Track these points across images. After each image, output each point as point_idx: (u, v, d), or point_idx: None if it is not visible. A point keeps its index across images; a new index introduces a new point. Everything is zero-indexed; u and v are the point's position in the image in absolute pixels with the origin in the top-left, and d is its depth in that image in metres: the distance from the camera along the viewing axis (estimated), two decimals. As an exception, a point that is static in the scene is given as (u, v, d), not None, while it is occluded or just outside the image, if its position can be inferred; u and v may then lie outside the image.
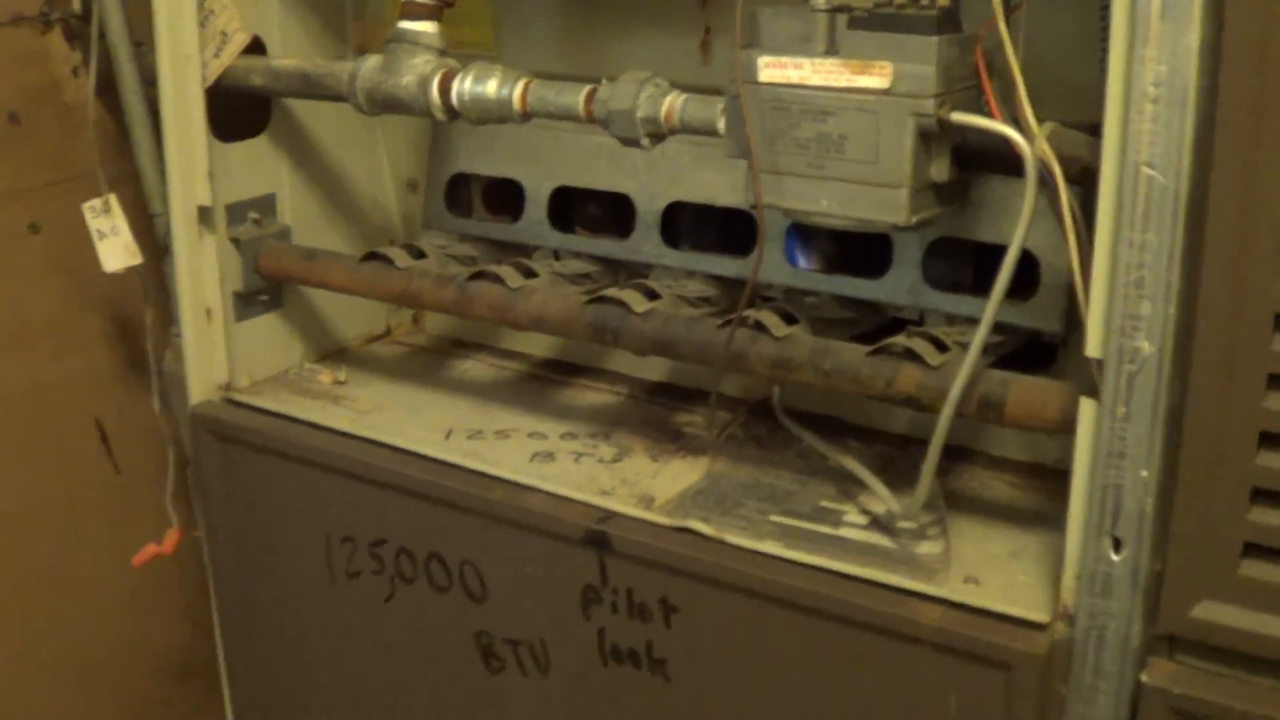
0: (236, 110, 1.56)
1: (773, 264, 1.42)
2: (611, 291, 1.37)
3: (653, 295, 1.39)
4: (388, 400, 1.59)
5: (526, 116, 1.35)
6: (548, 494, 1.34)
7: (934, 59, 1.08)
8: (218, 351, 1.57)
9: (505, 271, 1.45)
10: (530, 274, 1.47)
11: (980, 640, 1.11)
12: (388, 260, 1.51)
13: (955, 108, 1.10)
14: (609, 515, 1.30)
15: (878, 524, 1.27)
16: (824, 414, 1.49)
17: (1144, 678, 1.06)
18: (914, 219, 1.14)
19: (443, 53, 1.40)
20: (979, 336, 1.12)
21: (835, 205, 1.16)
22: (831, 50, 1.13)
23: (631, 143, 1.28)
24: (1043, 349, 1.32)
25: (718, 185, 1.47)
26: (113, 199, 1.68)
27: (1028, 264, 1.26)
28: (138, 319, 1.79)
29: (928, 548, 1.23)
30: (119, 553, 1.77)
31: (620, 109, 1.26)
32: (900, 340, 1.22)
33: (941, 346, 1.22)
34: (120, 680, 1.95)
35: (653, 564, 1.26)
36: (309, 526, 1.50)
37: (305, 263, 1.56)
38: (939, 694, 1.14)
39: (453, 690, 1.45)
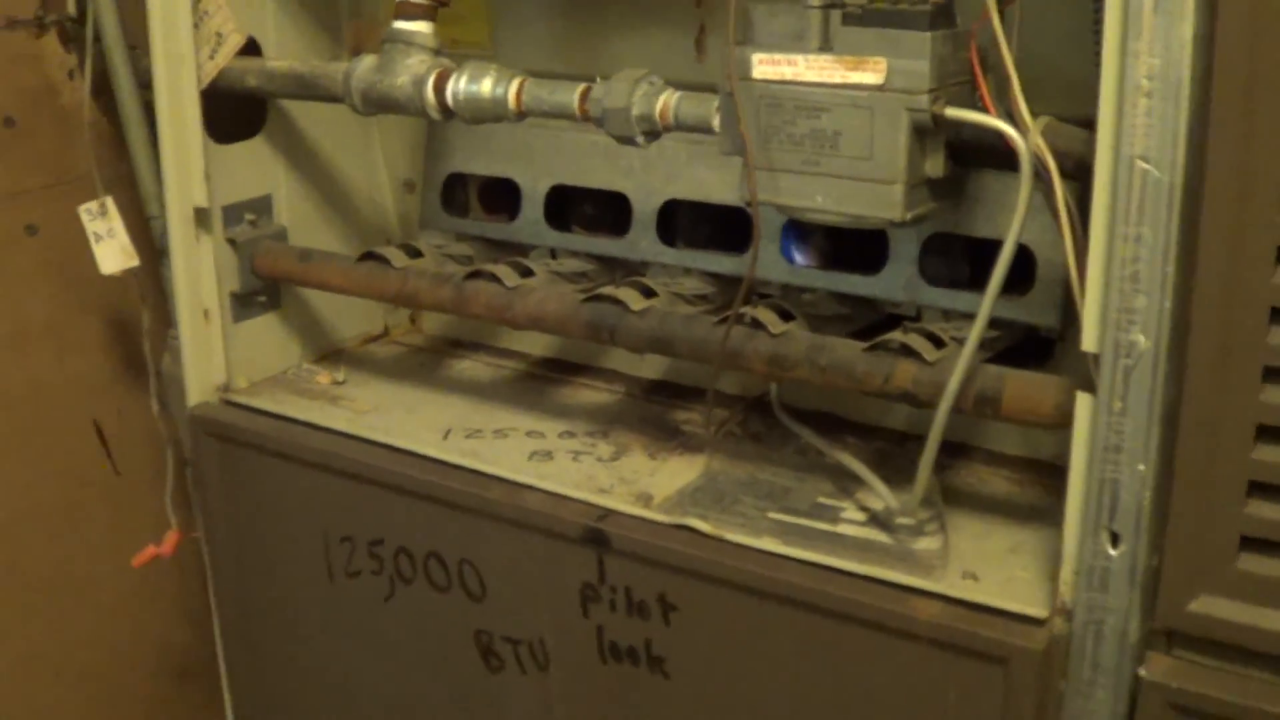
0: (232, 112, 1.56)
1: (769, 261, 1.42)
2: (608, 290, 1.37)
3: (649, 293, 1.39)
4: (386, 400, 1.59)
5: (521, 115, 1.35)
6: (546, 493, 1.34)
7: (928, 54, 1.09)
8: (215, 353, 1.57)
9: (502, 270, 1.45)
10: (527, 273, 1.47)
11: (978, 636, 1.11)
12: (384, 260, 1.51)
13: (949, 103, 1.10)
14: (607, 513, 1.30)
15: (876, 520, 1.27)
16: (821, 411, 1.49)
17: (1142, 672, 1.06)
18: (909, 215, 1.14)
19: (438, 52, 1.40)
20: (975, 332, 1.12)
21: (830, 201, 1.16)
22: (825, 46, 1.13)
23: (627, 141, 1.28)
24: (1039, 344, 1.32)
25: (714, 183, 1.47)
26: (109, 201, 1.68)
27: (1024, 259, 1.26)
28: (135, 321, 1.79)
29: (926, 544, 1.23)
30: (118, 554, 1.77)
31: (615, 107, 1.26)
32: (897, 336, 1.22)
33: (938, 342, 1.22)
34: (120, 681, 1.95)
35: (651, 562, 1.26)
36: (308, 526, 1.50)
37: (302, 263, 1.56)
38: (937, 689, 1.14)
39: (452, 689, 1.45)
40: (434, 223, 1.68)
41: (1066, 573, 1.08)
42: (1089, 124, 1.01)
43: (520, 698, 1.40)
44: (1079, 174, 1.06)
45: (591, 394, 1.61)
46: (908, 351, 1.20)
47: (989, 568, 1.19)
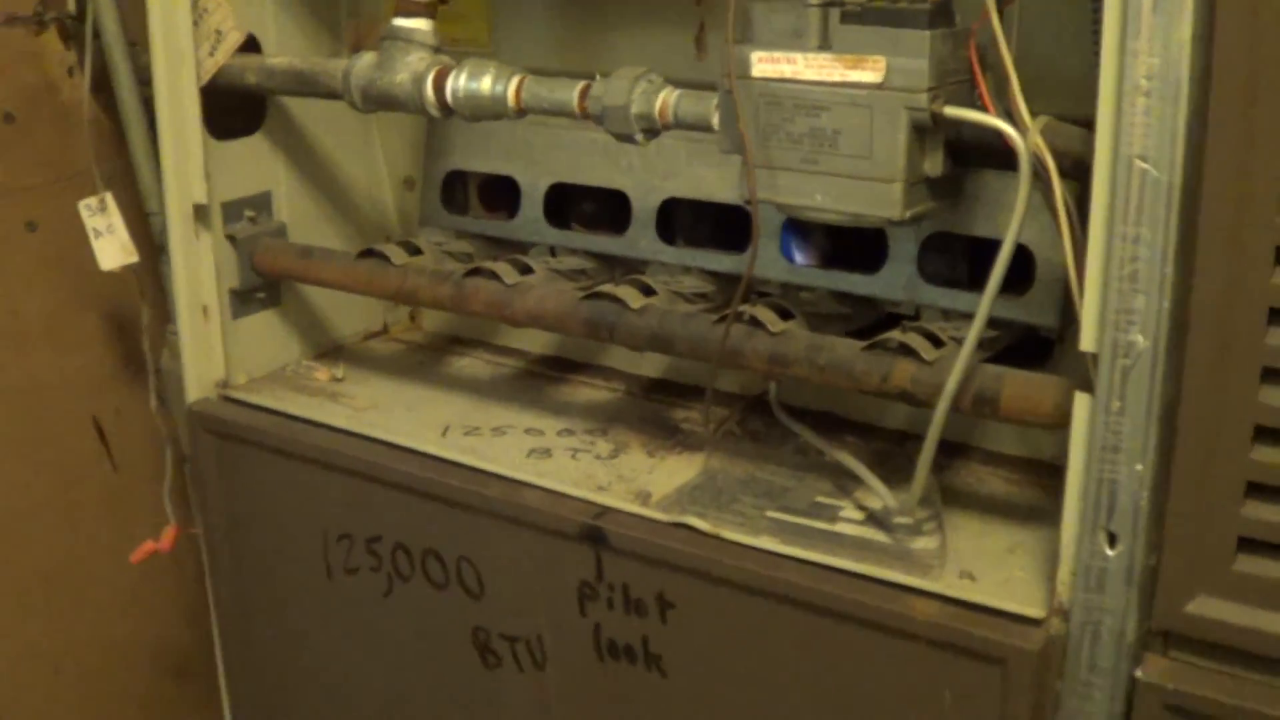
0: (232, 108, 1.57)
1: (768, 260, 1.42)
2: (607, 288, 1.37)
3: (648, 291, 1.39)
4: (385, 397, 1.59)
5: (521, 113, 1.35)
6: (544, 490, 1.34)
7: (927, 53, 1.08)
8: (214, 349, 1.57)
9: (501, 268, 1.45)
10: (526, 270, 1.47)
11: (975, 636, 1.11)
12: (384, 257, 1.51)
13: (949, 102, 1.10)
14: (605, 511, 1.30)
15: (874, 519, 1.27)
16: (820, 410, 1.49)
17: (1139, 673, 1.06)
18: (908, 213, 1.13)
19: (437, 50, 1.40)
20: (974, 331, 1.12)
21: (829, 200, 1.16)
22: (824, 45, 1.13)
23: (626, 139, 1.28)
24: (1039, 344, 1.32)
25: (713, 181, 1.47)
26: (109, 197, 1.68)
27: (1023, 259, 1.26)
28: (134, 317, 1.79)
29: (923, 543, 1.23)
30: (117, 550, 1.77)
31: (614, 105, 1.26)
32: (895, 335, 1.22)
33: (937, 341, 1.22)
34: (118, 677, 1.95)
35: (649, 560, 1.26)
36: (306, 523, 1.50)
37: (301, 260, 1.56)
38: (934, 689, 1.14)
39: (450, 686, 1.45)
40: (434, 220, 1.68)
41: (1064, 573, 1.08)
42: (1088, 124, 1.01)
43: (517, 695, 1.40)
44: (1078, 173, 1.06)
45: (590, 392, 1.61)
46: (906, 351, 1.20)
47: (986, 567, 1.19)
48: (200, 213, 1.52)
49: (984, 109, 1.10)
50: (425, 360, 1.72)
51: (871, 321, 1.39)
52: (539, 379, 1.65)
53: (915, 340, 1.20)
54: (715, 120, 1.22)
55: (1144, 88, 0.95)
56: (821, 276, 1.41)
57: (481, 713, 1.44)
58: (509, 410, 1.55)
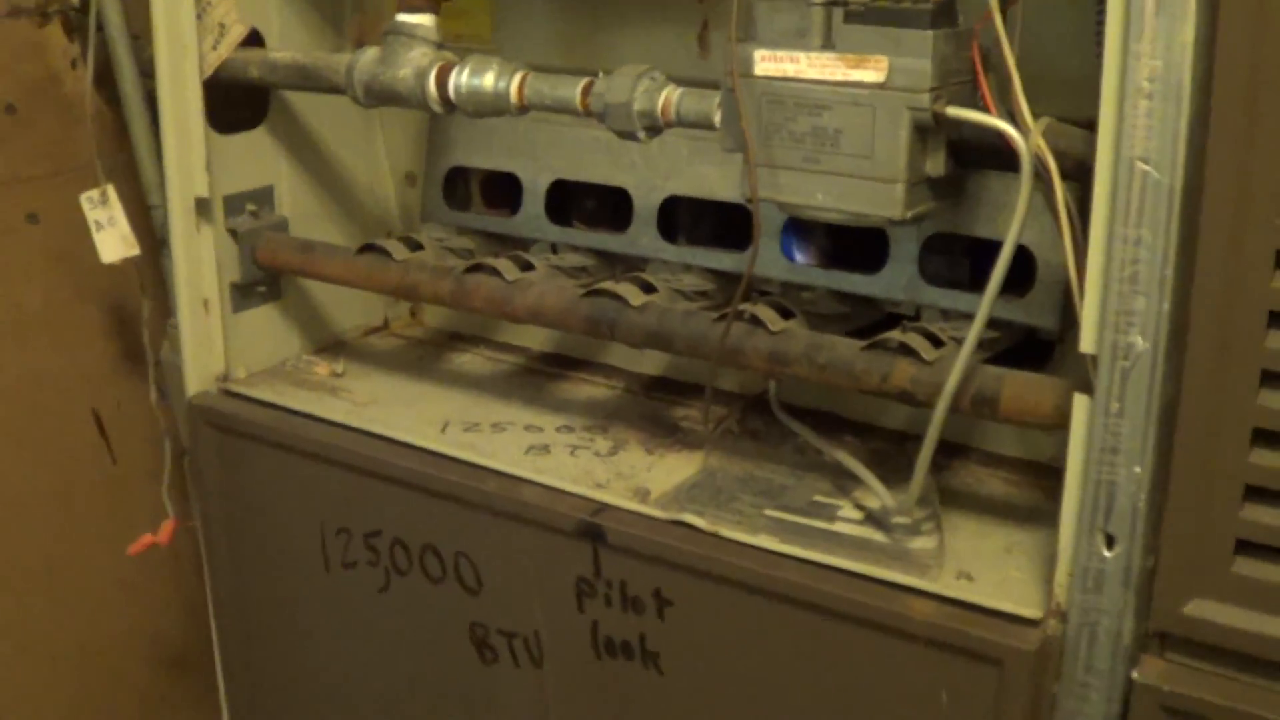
0: (234, 102, 1.57)
1: (769, 259, 1.42)
2: (608, 285, 1.37)
3: (649, 289, 1.39)
4: (385, 392, 1.59)
5: (523, 109, 1.35)
6: (543, 486, 1.34)
7: (929, 53, 1.08)
8: (215, 343, 1.57)
9: (502, 264, 1.45)
10: (527, 267, 1.47)
11: (972, 636, 1.11)
12: (385, 252, 1.51)
13: (951, 102, 1.10)
14: (603, 508, 1.30)
15: (872, 519, 1.27)
16: (820, 409, 1.49)
17: (1135, 675, 1.06)
18: (909, 213, 1.13)
19: (440, 46, 1.40)
20: (973, 332, 1.12)
21: (830, 199, 1.16)
22: (827, 44, 1.13)
23: (628, 136, 1.28)
24: (1039, 346, 1.32)
25: (715, 179, 1.47)
26: (110, 190, 1.68)
27: (1024, 260, 1.26)
28: (135, 310, 1.79)
29: (921, 543, 1.23)
30: (115, 543, 1.77)
31: (617, 102, 1.26)
32: (895, 335, 1.22)
33: (937, 342, 1.22)
34: (115, 669, 1.95)
35: (647, 557, 1.26)
36: (305, 517, 1.50)
37: (303, 254, 1.56)
38: (931, 689, 1.14)
39: (446, 681, 1.45)
40: (435, 216, 1.68)
41: (1061, 574, 1.08)
42: (1090, 125, 1.01)
43: (514, 691, 1.40)
44: (1079, 175, 1.06)
45: (590, 389, 1.61)
46: (906, 350, 1.20)
47: (984, 568, 1.19)
48: (202, 206, 1.52)
49: (986, 109, 1.10)
50: (425, 356, 1.72)
51: (872, 321, 1.39)
52: (539, 376, 1.65)
53: (915, 340, 1.20)
54: (717, 118, 1.22)
55: (1146, 90, 0.95)
56: (822, 276, 1.41)
57: (478, 708, 1.44)
58: (509, 406, 1.55)
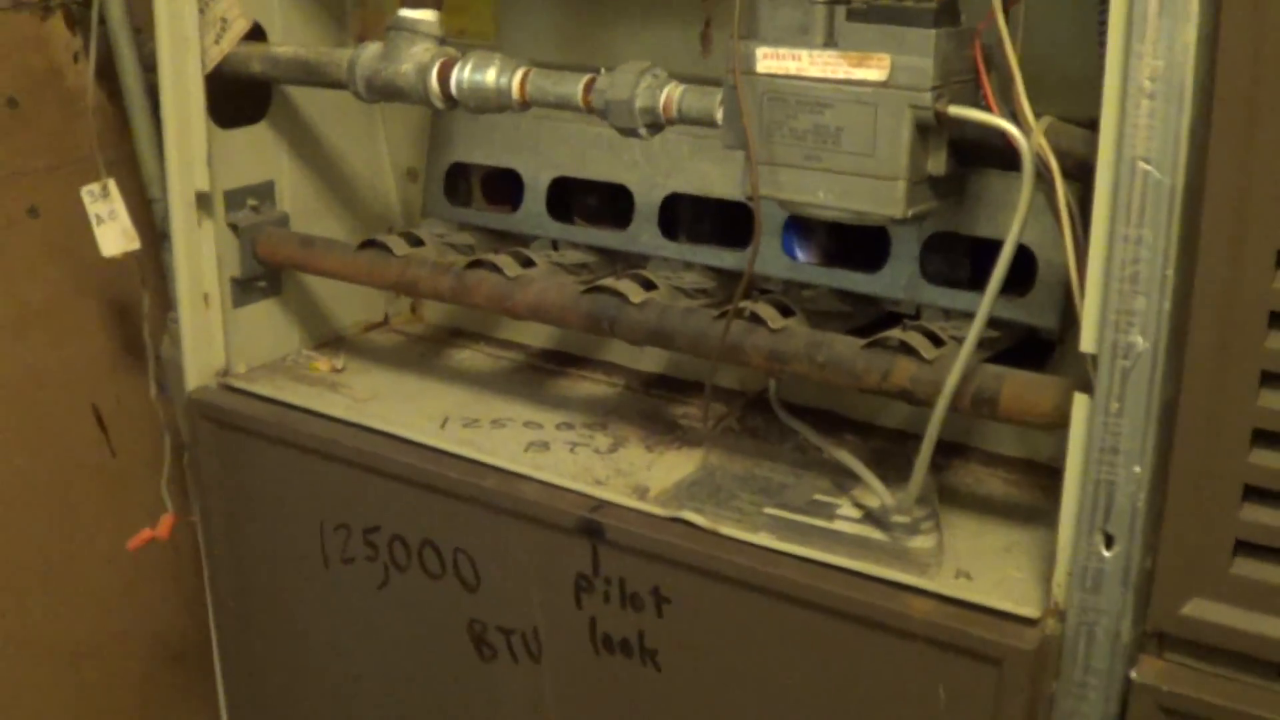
0: (236, 97, 1.56)
1: (770, 257, 1.42)
2: (608, 282, 1.37)
3: (649, 286, 1.39)
4: (384, 388, 1.59)
5: (525, 106, 1.35)
6: (542, 483, 1.34)
7: (932, 52, 1.08)
8: (215, 337, 1.57)
9: (503, 260, 1.45)
10: (528, 263, 1.47)
11: (971, 635, 1.11)
12: (385, 248, 1.51)
13: (953, 101, 1.10)
14: (602, 505, 1.30)
15: (871, 518, 1.27)
16: (820, 408, 1.49)
17: (1133, 675, 1.06)
18: (910, 212, 1.13)
19: (442, 41, 1.40)
20: (974, 331, 1.12)
21: (831, 197, 1.16)
22: (830, 42, 1.13)
23: (629, 133, 1.28)
24: (1039, 346, 1.32)
25: (716, 177, 1.47)
26: (111, 184, 1.68)
27: (1025, 260, 1.26)
28: (135, 304, 1.79)
29: (920, 542, 1.23)
30: (115, 537, 1.77)
31: (618, 99, 1.26)
32: (896, 334, 1.22)
33: (937, 341, 1.22)
34: (113, 663, 1.95)
35: (646, 554, 1.26)
36: (304, 513, 1.50)
37: (303, 250, 1.56)
38: (929, 687, 1.14)
39: (445, 678, 1.45)
40: (436, 212, 1.68)
41: (1060, 573, 1.08)
42: (1092, 125, 1.01)
43: (512, 687, 1.40)
44: (1081, 174, 1.06)
45: (590, 386, 1.61)
46: (906, 349, 1.20)
47: (983, 567, 1.19)
48: (203, 200, 1.52)
49: (988, 109, 1.10)
50: (425, 352, 1.72)
51: (872, 320, 1.39)
52: (539, 372, 1.65)
53: (915, 339, 1.20)
54: (719, 115, 1.22)
55: (1148, 90, 0.95)
56: (823, 274, 1.41)
57: (476, 704, 1.44)
58: (508, 403, 1.55)
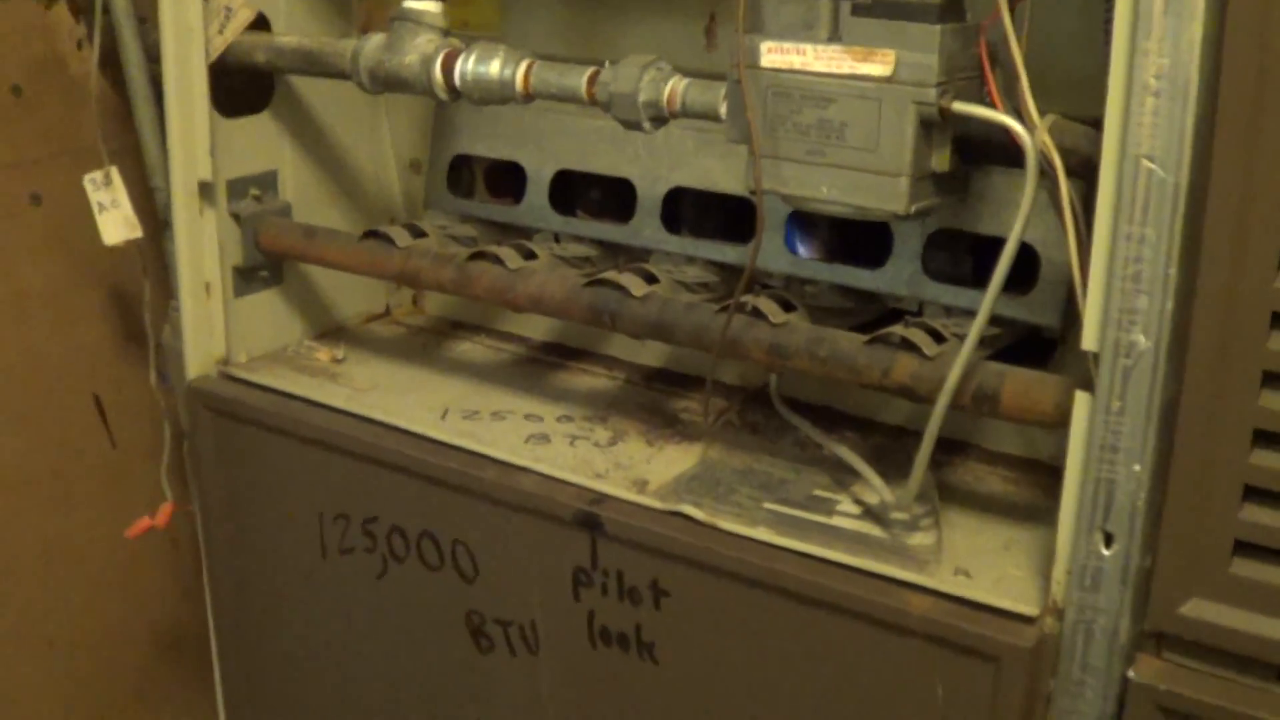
0: (239, 86, 1.56)
1: (773, 252, 1.42)
2: (610, 275, 1.37)
3: (651, 280, 1.38)
4: (385, 379, 1.59)
5: (529, 98, 1.34)
6: (541, 475, 1.34)
7: (936, 48, 1.08)
8: (216, 326, 1.57)
9: (505, 253, 1.45)
10: (530, 256, 1.47)
11: (969, 632, 1.11)
12: (388, 239, 1.51)
13: (957, 97, 1.10)
14: (602, 498, 1.30)
15: (870, 514, 1.27)
16: (821, 404, 1.49)
17: (1131, 674, 1.06)
18: (913, 208, 1.13)
19: (446, 33, 1.39)
20: (975, 328, 1.11)
21: (835, 192, 1.15)
22: (834, 37, 1.13)
23: (633, 126, 1.28)
24: (1041, 345, 1.32)
25: (719, 171, 1.47)
26: (114, 172, 1.68)
27: (1028, 258, 1.26)
28: (137, 293, 1.79)
29: (920, 539, 1.23)
30: (113, 526, 1.77)
31: (622, 92, 1.26)
32: (897, 330, 1.22)
33: (939, 337, 1.21)
34: (111, 652, 1.95)
35: (644, 547, 1.26)
36: (303, 502, 1.50)
37: (305, 240, 1.56)
38: (927, 684, 1.14)
39: (442, 669, 1.45)
40: (439, 203, 1.68)
41: (1059, 572, 1.08)
42: (1096, 123, 1.01)
43: (509, 679, 1.40)
44: (1084, 172, 1.06)
45: (591, 379, 1.61)
46: (908, 345, 1.20)
47: (982, 564, 1.19)
48: (205, 189, 1.52)
49: (992, 105, 1.10)
50: (426, 343, 1.72)
51: (874, 316, 1.39)
52: (539, 365, 1.65)
53: (917, 335, 1.20)
54: (723, 110, 1.22)
55: (1153, 87, 0.95)
56: (825, 270, 1.41)
57: (474, 696, 1.44)
58: (509, 395, 1.55)
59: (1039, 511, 1.27)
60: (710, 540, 1.23)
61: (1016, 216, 1.07)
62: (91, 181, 1.68)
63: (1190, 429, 1.00)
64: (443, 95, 1.38)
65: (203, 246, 1.54)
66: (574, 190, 1.61)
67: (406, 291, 1.81)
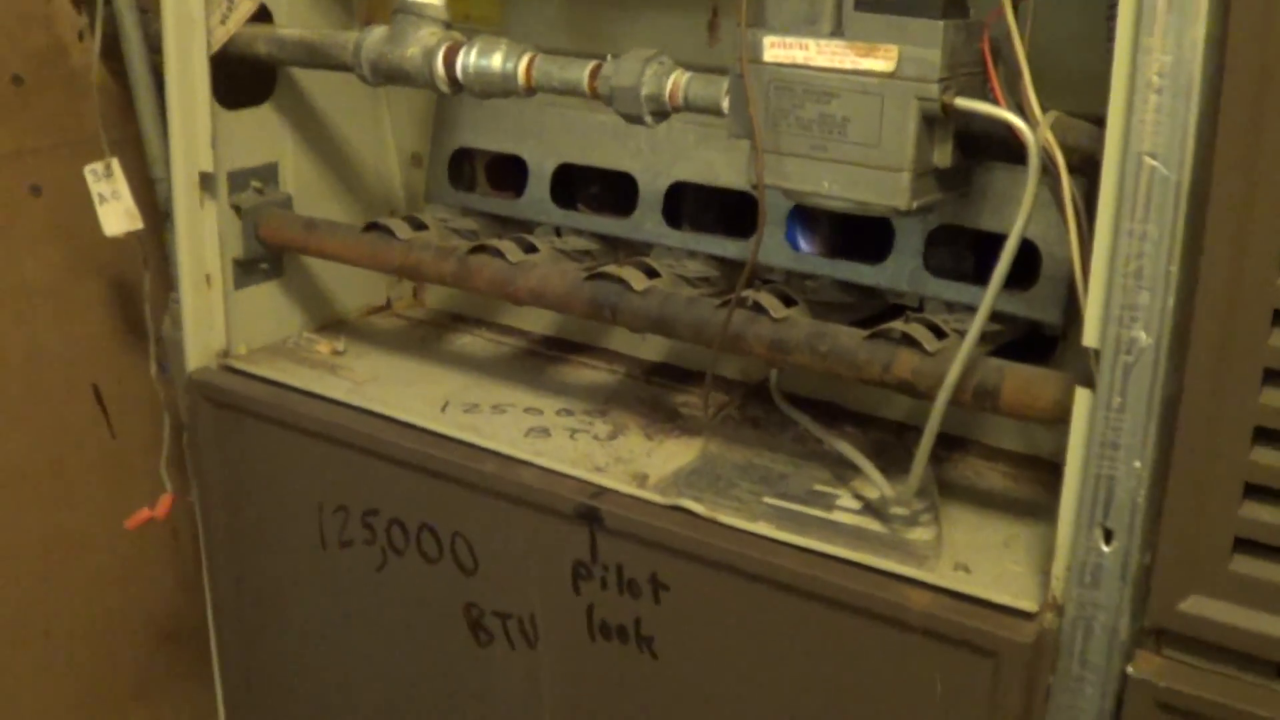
0: (241, 78, 1.56)
1: (774, 246, 1.42)
2: (611, 269, 1.37)
3: (652, 274, 1.38)
4: (385, 372, 1.59)
5: (531, 91, 1.34)
6: (541, 469, 1.34)
7: (940, 43, 1.08)
8: (216, 318, 1.57)
9: (506, 246, 1.45)
10: (531, 249, 1.47)
11: (968, 627, 1.11)
12: (388, 231, 1.51)
13: (960, 93, 1.10)
14: (601, 491, 1.30)
15: (870, 509, 1.27)
16: (821, 399, 1.49)
17: (1130, 670, 1.06)
18: (915, 203, 1.13)
19: (448, 25, 1.39)
20: (976, 323, 1.11)
21: (836, 187, 1.15)
22: (837, 32, 1.13)
23: (635, 120, 1.28)
24: (1042, 340, 1.32)
25: (721, 166, 1.47)
26: (115, 163, 1.68)
27: (1029, 254, 1.26)
28: (137, 284, 1.79)
29: (919, 534, 1.23)
30: (113, 517, 1.77)
31: (624, 85, 1.26)
32: (898, 326, 1.22)
33: (939, 333, 1.21)
34: (110, 643, 1.95)
35: (644, 541, 1.26)
36: (302, 495, 1.50)
37: (306, 232, 1.56)
38: (926, 679, 1.14)
39: (441, 662, 1.45)
40: (440, 197, 1.68)
41: (1058, 568, 1.08)
42: (1098, 121, 1.01)
43: (508, 672, 1.40)
44: (1086, 169, 1.06)
45: (591, 373, 1.61)
46: (908, 341, 1.20)
47: (981, 560, 1.19)
48: (206, 181, 1.52)
49: (995, 102, 1.10)
50: (427, 336, 1.72)
51: (875, 312, 1.39)
52: (540, 358, 1.65)
53: (918, 331, 1.20)
54: (725, 104, 1.21)
55: (1156, 85, 0.95)
56: (826, 265, 1.41)
57: (472, 689, 1.44)
58: (509, 389, 1.55)
59: (1039, 507, 1.27)
60: (710, 534, 1.23)
61: (1018, 213, 1.07)
62: (92, 172, 1.68)
63: (1191, 426, 1.00)
64: (444, 88, 1.38)
65: (203, 238, 1.54)
66: (575, 184, 1.61)
67: (407, 284, 1.81)
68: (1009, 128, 1.07)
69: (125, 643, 1.98)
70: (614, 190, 1.57)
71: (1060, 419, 1.08)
